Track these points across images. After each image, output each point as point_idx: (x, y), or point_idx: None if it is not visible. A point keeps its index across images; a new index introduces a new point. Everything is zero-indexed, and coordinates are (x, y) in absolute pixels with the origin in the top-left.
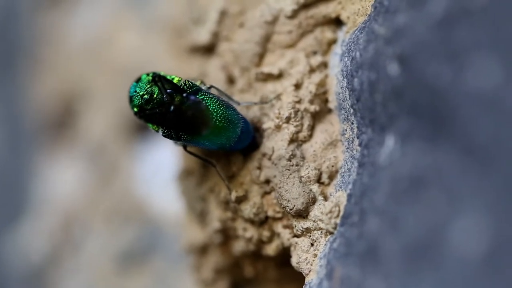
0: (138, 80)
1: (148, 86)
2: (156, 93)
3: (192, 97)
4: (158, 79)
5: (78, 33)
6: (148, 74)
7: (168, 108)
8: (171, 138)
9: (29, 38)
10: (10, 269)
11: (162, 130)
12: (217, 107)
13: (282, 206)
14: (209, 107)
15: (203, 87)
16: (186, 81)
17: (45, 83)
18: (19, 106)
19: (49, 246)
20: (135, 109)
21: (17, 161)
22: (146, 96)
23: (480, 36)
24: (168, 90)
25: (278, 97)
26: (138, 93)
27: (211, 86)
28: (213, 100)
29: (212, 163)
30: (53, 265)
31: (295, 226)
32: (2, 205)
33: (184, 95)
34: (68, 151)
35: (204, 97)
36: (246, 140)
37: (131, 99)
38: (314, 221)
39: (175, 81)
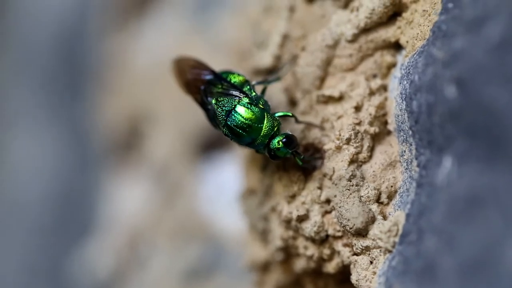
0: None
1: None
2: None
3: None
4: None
5: (144, 56)
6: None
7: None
8: None
9: (96, 61)
10: (78, 285)
11: None
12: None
13: (342, 225)
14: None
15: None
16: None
17: (112, 105)
18: (87, 128)
19: (115, 263)
20: None
21: (85, 181)
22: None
23: None
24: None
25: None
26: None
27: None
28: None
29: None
30: (119, 282)
31: (355, 244)
32: (71, 223)
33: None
34: (134, 171)
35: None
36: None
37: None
38: (373, 239)
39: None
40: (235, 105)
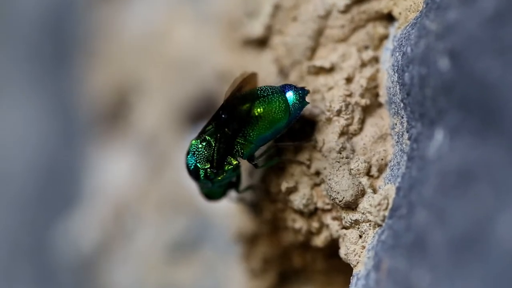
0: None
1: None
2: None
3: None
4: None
5: (133, 26)
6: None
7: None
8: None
9: (84, 32)
10: (62, 258)
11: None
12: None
13: (331, 198)
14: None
15: None
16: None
17: (99, 75)
18: (73, 98)
19: (100, 235)
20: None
21: (70, 152)
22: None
23: None
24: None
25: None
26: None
27: None
28: None
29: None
30: (104, 255)
31: (344, 217)
32: (55, 195)
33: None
34: (121, 142)
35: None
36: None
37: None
38: (362, 213)
39: None
40: (197, 164)
